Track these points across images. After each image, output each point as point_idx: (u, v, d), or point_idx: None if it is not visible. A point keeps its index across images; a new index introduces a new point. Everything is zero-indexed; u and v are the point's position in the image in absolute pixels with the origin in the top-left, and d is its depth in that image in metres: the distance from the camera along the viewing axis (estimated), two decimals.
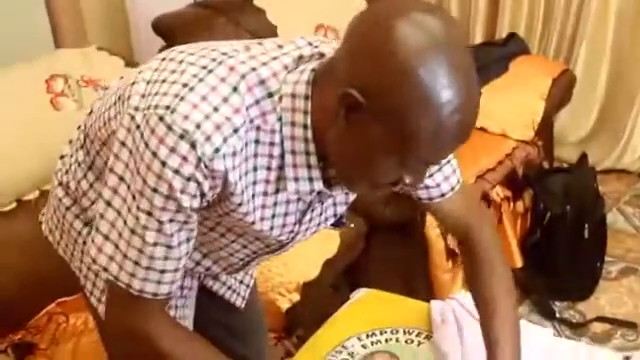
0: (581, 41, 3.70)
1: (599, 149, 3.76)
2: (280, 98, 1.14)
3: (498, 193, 2.83)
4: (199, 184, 1.11)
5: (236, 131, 1.11)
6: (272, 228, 1.26)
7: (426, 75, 1.02)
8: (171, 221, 1.15)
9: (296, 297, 2.12)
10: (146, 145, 1.11)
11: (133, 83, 1.19)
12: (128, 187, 1.16)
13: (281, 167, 1.18)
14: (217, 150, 1.10)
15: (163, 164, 1.10)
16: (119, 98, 1.23)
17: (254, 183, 1.18)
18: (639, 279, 3.05)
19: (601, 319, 2.80)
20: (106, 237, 1.19)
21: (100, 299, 1.42)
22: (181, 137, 1.09)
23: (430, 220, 2.63)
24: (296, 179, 1.18)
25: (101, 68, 2.43)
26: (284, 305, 2.11)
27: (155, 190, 1.12)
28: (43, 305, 2.23)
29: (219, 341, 1.57)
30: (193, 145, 1.09)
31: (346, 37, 1.10)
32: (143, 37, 3.46)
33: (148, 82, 1.17)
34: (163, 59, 1.20)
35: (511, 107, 3.11)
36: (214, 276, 1.55)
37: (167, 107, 1.11)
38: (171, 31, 2.82)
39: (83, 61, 2.42)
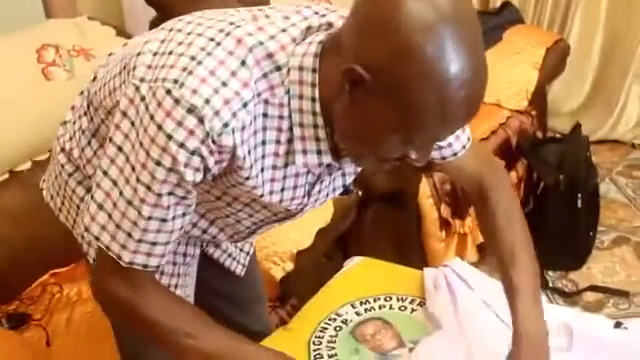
0: (575, 11, 3.70)
1: (592, 119, 3.77)
2: (288, 71, 1.12)
3: None
4: (203, 158, 1.10)
5: (245, 105, 1.10)
6: (281, 201, 1.25)
7: (432, 50, 1.00)
8: (169, 194, 1.14)
9: (290, 266, 2.13)
10: (151, 117, 1.10)
11: (139, 54, 1.18)
12: (127, 158, 1.14)
13: (290, 140, 1.17)
14: (226, 125, 1.09)
15: (169, 137, 1.08)
16: (124, 67, 1.21)
17: (263, 157, 1.17)
18: (631, 248, 3.07)
19: (594, 288, 2.82)
20: (100, 206, 1.19)
21: None
22: (189, 111, 1.08)
23: (423, 189, 2.64)
24: (304, 152, 1.17)
25: (92, 38, 2.41)
26: (278, 274, 2.12)
27: (158, 163, 1.10)
28: (36, 276, 2.23)
29: (218, 309, 1.59)
30: (201, 120, 1.08)
31: (352, 11, 1.08)
32: (134, 7, 3.45)
33: (155, 53, 1.15)
34: (170, 29, 1.18)
35: (505, 77, 3.10)
36: (216, 244, 1.55)
37: (175, 81, 1.09)
38: (163, 2, 2.79)
39: (74, 31, 2.41)
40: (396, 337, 1.58)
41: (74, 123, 1.38)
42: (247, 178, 1.17)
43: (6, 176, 2.23)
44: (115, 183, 1.16)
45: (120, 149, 1.15)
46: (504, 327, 1.52)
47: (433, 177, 2.66)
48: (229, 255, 1.61)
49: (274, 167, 1.19)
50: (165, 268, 1.42)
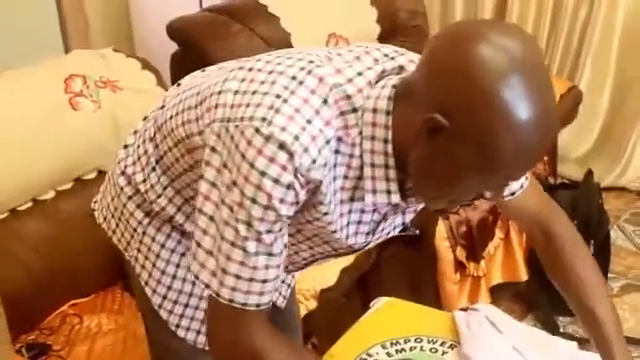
0: (586, 57, 3.74)
1: (600, 166, 3.80)
2: (362, 113, 1.16)
3: None
4: (297, 193, 1.13)
5: (328, 142, 1.14)
6: (347, 237, 1.27)
7: (508, 97, 1.03)
8: (269, 232, 1.16)
9: (313, 304, 2.13)
10: (242, 156, 1.13)
11: (220, 92, 1.21)
12: (221, 197, 1.16)
13: (359, 177, 1.20)
14: (314, 161, 1.13)
15: (262, 174, 1.11)
16: (200, 102, 1.25)
17: (335, 192, 1.20)
18: None
19: None
20: (210, 252, 1.19)
21: (155, 290, 1.46)
22: (280, 147, 1.11)
23: (440, 231, 2.65)
24: (374, 191, 1.20)
25: (118, 70, 2.43)
26: (301, 312, 2.12)
27: (254, 201, 1.13)
28: (55, 306, 2.23)
29: None
30: (291, 155, 1.11)
31: (425, 60, 1.11)
32: (145, 39, 3.48)
33: (236, 92, 1.19)
34: (250, 69, 1.22)
35: None
36: None
37: (263, 119, 1.13)
38: (186, 36, 2.83)
39: (100, 62, 2.42)
40: None
41: (138, 147, 1.42)
42: (325, 213, 1.20)
43: (29, 205, 2.24)
44: (215, 223, 1.18)
45: (213, 185, 1.18)
46: None
47: (449, 219, 2.68)
48: None
49: (342, 202, 1.22)
50: None
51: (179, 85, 1.42)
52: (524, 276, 2.92)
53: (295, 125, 1.12)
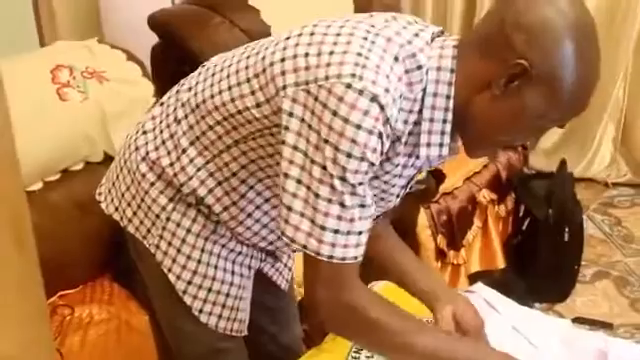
0: None
1: (568, 158, 3.85)
2: (427, 71, 1.25)
3: (485, 196, 2.92)
4: (384, 143, 1.21)
5: (401, 96, 1.23)
6: (391, 192, 1.36)
7: (575, 48, 1.19)
8: (361, 184, 1.22)
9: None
10: (334, 113, 1.18)
11: (283, 59, 1.25)
12: (309, 158, 1.21)
13: (410, 133, 1.28)
14: (398, 111, 1.23)
15: (358, 127, 1.18)
16: (256, 75, 1.29)
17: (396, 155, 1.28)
18: (612, 282, 3.17)
19: (579, 320, 2.89)
20: (302, 214, 1.23)
21: (179, 276, 1.47)
22: (372, 100, 1.18)
23: (422, 220, 2.70)
24: (429, 145, 1.29)
25: (104, 61, 2.43)
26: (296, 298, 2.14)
27: (349, 155, 1.19)
28: (45, 297, 2.21)
29: (263, 327, 1.65)
30: (383, 107, 1.19)
31: (501, 18, 1.23)
32: (117, 37, 3.47)
33: (307, 55, 1.23)
34: (312, 34, 1.26)
35: None
36: (264, 258, 1.60)
37: (353, 75, 1.19)
38: (167, 28, 2.82)
39: (86, 53, 2.43)
40: None
41: (161, 132, 1.43)
42: (397, 165, 1.29)
43: None
44: (303, 185, 1.22)
45: (296, 148, 1.22)
46: (535, 351, 1.58)
47: (431, 208, 2.73)
48: (276, 270, 1.66)
49: (398, 155, 1.30)
50: (235, 279, 1.50)
51: (204, 66, 1.44)
52: (501, 264, 2.98)
53: (382, 78, 1.20)
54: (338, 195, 1.21)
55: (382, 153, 1.23)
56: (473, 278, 2.94)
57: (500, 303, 1.73)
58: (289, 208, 1.24)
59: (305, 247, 1.24)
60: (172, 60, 2.78)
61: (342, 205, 1.21)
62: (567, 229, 2.95)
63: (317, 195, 1.21)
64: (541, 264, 2.97)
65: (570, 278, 3.05)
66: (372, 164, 1.21)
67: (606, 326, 2.87)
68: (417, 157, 1.33)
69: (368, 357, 1.61)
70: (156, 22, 2.81)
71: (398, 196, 1.42)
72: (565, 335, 1.66)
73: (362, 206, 1.23)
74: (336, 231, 1.22)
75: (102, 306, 2.19)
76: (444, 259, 2.78)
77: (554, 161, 3.32)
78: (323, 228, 1.22)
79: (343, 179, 1.20)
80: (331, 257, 1.23)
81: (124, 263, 1.78)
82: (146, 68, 2.55)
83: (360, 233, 1.25)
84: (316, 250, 1.23)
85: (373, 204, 1.27)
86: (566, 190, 3.03)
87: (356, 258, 1.26)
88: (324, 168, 1.20)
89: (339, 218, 1.22)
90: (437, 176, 2.68)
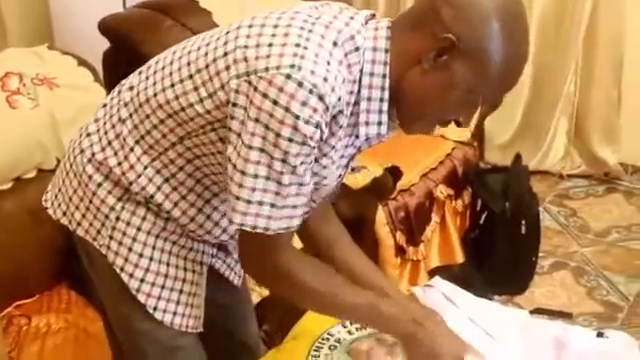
0: None
1: (523, 152, 3.89)
2: (364, 51, 1.30)
3: (442, 191, 2.94)
4: (322, 131, 1.27)
5: (343, 81, 1.27)
6: (332, 172, 1.39)
7: (502, 27, 1.25)
8: (302, 163, 1.28)
9: (265, 292, 2.15)
10: (275, 102, 1.24)
11: (225, 54, 1.28)
12: (250, 142, 1.26)
13: (351, 113, 1.32)
14: (339, 99, 1.27)
15: (297, 117, 1.23)
16: (198, 71, 1.31)
17: (339, 128, 1.32)
18: (570, 273, 3.21)
19: (538, 311, 2.93)
20: (237, 197, 1.29)
21: (132, 274, 1.47)
22: (310, 92, 1.23)
23: (380, 217, 2.71)
24: (367, 123, 1.33)
25: (54, 67, 2.40)
26: (254, 299, 2.13)
27: (290, 140, 1.25)
28: (1, 308, 2.18)
29: (220, 324, 1.65)
30: (321, 97, 1.24)
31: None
32: (69, 42, 3.43)
33: (246, 47, 1.27)
34: (250, 26, 1.30)
35: None
36: (215, 253, 1.61)
37: (292, 66, 1.23)
38: (118, 32, 2.80)
39: (35, 60, 2.40)
40: (390, 354, 1.62)
41: (106, 133, 1.44)
42: (333, 147, 1.32)
43: None
44: (247, 171, 1.28)
45: (239, 135, 1.26)
46: (493, 342, 1.59)
47: (389, 205, 2.74)
48: (228, 266, 1.67)
49: (339, 139, 1.34)
50: (187, 275, 1.52)
51: (141, 72, 1.46)
52: (460, 258, 3.01)
53: (320, 68, 1.24)
54: (277, 174, 1.27)
55: (322, 140, 1.28)
56: (433, 273, 2.95)
57: (458, 296, 1.74)
58: (231, 193, 1.30)
59: (242, 225, 1.31)
60: (124, 65, 2.74)
61: (279, 183, 1.28)
62: (524, 222, 2.99)
63: (256, 176, 1.27)
64: (499, 257, 3.00)
65: (528, 270, 3.09)
66: (313, 147, 1.27)
67: (565, 316, 2.91)
68: (357, 136, 1.37)
69: (327, 355, 1.61)
70: (107, 27, 2.79)
71: (340, 176, 1.46)
72: (523, 325, 1.67)
73: (300, 185, 1.30)
74: (272, 205, 1.30)
75: (59, 315, 2.16)
76: (403, 255, 2.80)
77: (509, 155, 3.36)
78: (261, 203, 1.29)
79: (284, 161, 1.26)
80: (267, 229, 1.31)
81: (79, 270, 1.76)
82: (98, 73, 2.53)
83: (295, 207, 1.32)
84: (253, 224, 1.30)
85: (311, 181, 1.33)
86: (522, 183, 3.06)
87: (288, 228, 1.34)
88: (262, 151, 1.26)
89: (276, 194, 1.29)
90: (394, 173, 2.70)
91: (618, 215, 3.65)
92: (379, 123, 1.33)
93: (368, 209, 2.67)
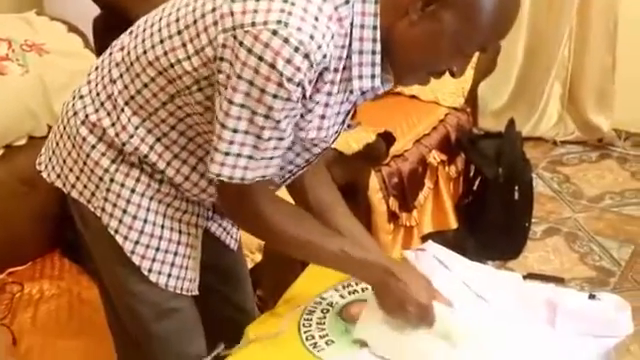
0: None
1: (516, 118, 3.90)
2: (353, 4, 1.28)
3: (435, 157, 2.94)
4: (305, 89, 1.26)
5: (332, 37, 1.26)
6: (328, 128, 1.39)
7: None
8: (286, 117, 1.29)
9: (258, 257, 2.15)
10: (260, 58, 1.23)
11: (214, 9, 1.27)
12: (232, 97, 1.26)
13: (345, 68, 1.32)
14: (325, 56, 1.25)
15: (281, 74, 1.23)
16: (187, 27, 1.31)
17: (325, 83, 1.32)
18: (562, 238, 3.23)
19: (531, 276, 2.93)
20: (215, 149, 1.31)
21: (127, 236, 1.48)
22: (296, 50, 1.22)
23: (373, 183, 2.71)
24: (360, 77, 1.33)
25: (43, 33, 2.38)
26: (248, 265, 2.13)
27: (275, 96, 1.25)
28: None
29: (215, 288, 1.66)
30: (307, 55, 1.22)
31: None
32: (57, 8, 3.39)
33: (234, 1, 1.25)
34: None
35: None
36: (211, 216, 1.62)
37: (279, 22, 1.22)
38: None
39: (24, 26, 2.37)
40: None
41: (98, 95, 1.44)
42: (317, 103, 1.32)
43: None
44: (227, 126, 1.28)
45: (225, 88, 1.27)
46: (486, 305, 1.60)
47: (382, 171, 2.74)
48: (224, 229, 1.67)
49: (329, 94, 1.34)
50: (182, 238, 1.52)
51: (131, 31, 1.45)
52: (454, 224, 3.01)
53: (307, 25, 1.22)
54: (258, 129, 1.28)
55: (305, 97, 1.28)
56: (426, 239, 2.95)
57: (450, 260, 1.74)
58: (215, 149, 1.31)
59: (219, 175, 1.32)
60: (114, 31, 2.72)
61: (259, 137, 1.29)
62: (517, 187, 2.99)
63: (235, 130, 1.28)
64: (492, 223, 3.01)
65: (521, 235, 3.10)
66: (296, 102, 1.27)
67: (557, 281, 2.91)
68: (351, 91, 1.36)
69: (320, 318, 1.61)
70: None
71: (336, 132, 1.46)
72: (515, 288, 1.68)
73: (280, 139, 1.31)
74: (250, 157, 1.31)
75: (52, 281, 2.16)
76: (396, 221, 2.80)
77: (503, 122, 3.35)
78: (238, 156, 1.30)
79: (267, 117, 1.27)
80: (243, 179, 1.33)
81: (72, 237, 1.76)
82: (88, 40, 2.50)
83: (271, 158, 1.34)
84: (229, 175, 1.32)
85: (291, 135, 1.34)
86: (515, 149, 3.06)
87: (264, 177, 1.36)
88: (243, 107, 1.26)
89: (254, 147, 1.30)
90: (387, 139, 2.69)
91: (611, 181, 3.66)
92: (372, 76, 1.32)
93: (361, 175, 2.67)
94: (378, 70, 1.33)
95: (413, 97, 3.13)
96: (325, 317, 1.62)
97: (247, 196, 1.38)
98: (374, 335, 1.52)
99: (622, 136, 3.95)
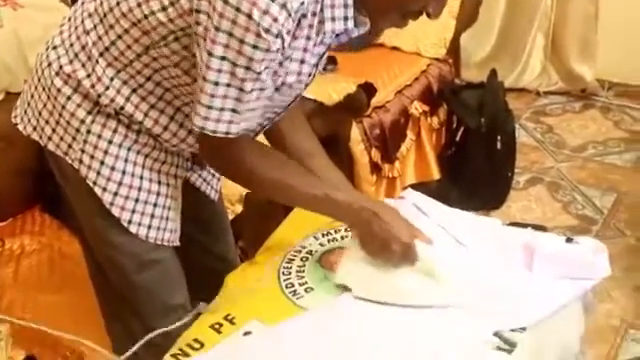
0: None
1: (500, 69, 3.87)
2: None
3: (417, 108, 2.93)
4: (283, 39, 1.25)
5: None
6: (301, 73, 1.37)
7: None
8: (266, 68, 1.27)
9: (239, 208, 2.15)
10: (237, 10, 1.21)
11: None
12: (210, 49, 1.24)
13: (321, 10, 1.30)
14: (302, 3, 1.24)
15: (258, 25, 1.21)
16: None
17: (302, 28, 1.30)
18: (545, 188, 3.24)
19: (514, 224, 2.94)
20: (209, 107, 1.29)
21: (105, 188, 1.47)
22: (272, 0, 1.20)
23: (354, 135, 2.70)
24: (333, 19, 1.31)
25: None
26: (229, 217, 2.13)
27: (255, 47, 1.23)
28: None
29: (196, 239, 1.66)
30: (284, 5, 1.21)
31: None
32: None
33: None
34: None
35: (423, 26, 3.16)
36: (190, 167, 1.61)
37: None
38: None
39: None
40: None
41: (72, 45, 1.41)
42: (296, 48, 1.30)
43: None
44: (208, 78, 1.26)
45: (205, 40, 1.25)
46: (464, 249, 1.60)
47: (363, 122, 2.73)
48: (204, 180, 1.67)
49: (308, 38, 1.32)
50: (162, 189, 1.51)
51: None
52: (436, 175, 3.02)
53: None
54: (239, 82, 1.26)
55: (284, 47, 1.26)
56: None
57: (429, 206, 1.74)
58: (195, 96, 1.30)
59: (203, 128, 1.31)
60: None
61: (241, 90, 1.27)
62: (499, 137, 3.00)
63: (216, 83, 1.26)
64: (475, 173, 3.02)
65: (504, 185, 3.11)
66: (276, 52, 1.25)
67: (539, 229, 2.92)
68: (325, 33, 1.34)
69: (299, 266, 1.62)
70: None
71: (310, 75, 1.44)
72: (494, 232, 1.68)
73: (262, 89, 1.30)
74: (233, 111, 1.30)
75: (33, 237, 2.16)
76: (379, 173, 2.80)
77: (486, 73, 3.32)
78: (221, 110, 1.29)
79: (248, 68, 1.25)
80: (228, 133, 1.32)
81: (53, 192, 1.75)
82: None
83: (254, 109, 1.33)
84: (213, 129, 1.31)
85: (272, 85, 1.32)
86: (497, 99, 3.06)
87: (247, 129, 1.35)
88: (224, 59, 1.24)
89: (237, 100, 1.29)
90: (367, 90, 2.68)
91: (595, 130, 3.67)
92: (345, 18, 1.31)
93: (342, 126, 2.66)
94: (351, 12, 1.31)
95: (395, 48, 3.11)
96: (304, 265, 1.62)
97: (230, 146, 1.37)
98: (357, 279, 1.52)
99: (605, 86, 3.94)
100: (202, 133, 1.34)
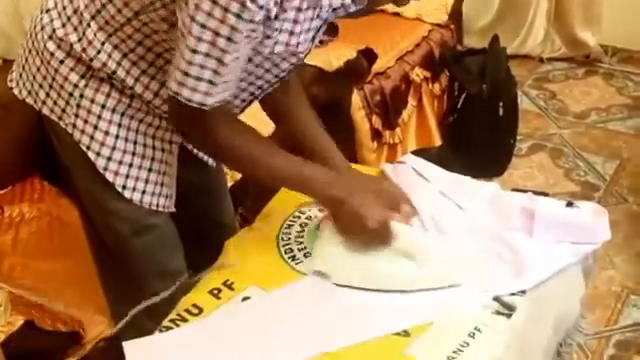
0: None
1: (502, 36, 3.84)
2: None
3: (418, 74, 2.91)
4: (269, 11, 1.22)
5: None
6: (298, 44, 1.35)
7: None
8: (247, 37, 1.23)
9: (238, 175, 2.14)
10: None
11: None
12: (193, 16, 1.20)
13: None
14: None
15: None
16: None
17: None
18: (547, 154, 3.23)
19: (516, 191, 2.94)
20: (176, 67, 1.27)
21: (99, 152, 1.46)
22: None
23: (355, 101, 2.68)
24: None
25: None
26: (228, 183, 2.12)
27: (239, 16, 1.19)
28: None
29: (194, 204, 1.68)
30: None
31: None
32: None
33: None
34: None
35: None
36: None
37: None
38: None
39: None
40: None
41: (64, 9, 1.40)
42: (285, 20, 1.27)
43: None
44: (189, 46, 1.23)
45: (187, 5, 1.21)
46: (463, 213, 1.60)
47: (364, 89, 2.71)
48: None
49: (298, 10, 1.29)
50: (156, 154, 1.50)
51: None
52: (438, 141, 3.01)
53: None
54: (218, 52, 1.23)
55: (270, 19, 1.24)
56: None
57: (428, 171, 1.73)
58: (176, 67, 1.28)
59: (177, 94, 1.28)
60: None
61: (220, 61, 1.24)
62: (501, 104, 2.98)
63: (195, 51, 1.23)
64: (477, 139, 3.00)
65: (506, 152, 3.10)
66: (259, 24, 1.23)
67: (542, 195, 2.92)
68: (321, 8, 1.32)
69: (298, 232, 1.61)
70: None
71: (308, 49, 1.42)
72: (493, 196, 1.68)
73: (237, 58, 1.27)
74: (210, 82, 1.27)
75: (32, 204, 2.14)
76: (380, 139, 2.79)
77: (488, 40, 3.29)
78: (198, 79, 1.26)
79: (230, 39, 1.22)
80: (203, 105, 1.29)
81: (52, 160, 1.74)
82: None
83: (230, 81, 1.31)
84: (188, 97, 1.28)
85: (248, 52, 1.30)
86: (499, 65, 3.03)
87: (223, 100, 1.32)
88: (205, 27, 1.20)
89: (215, 72, 1.25)
90: (368, 56, 2.66)
91: (598, 97, 3.64)
92: None
93: (343, 93, 2.64)
94: None
95: (396, 14, 3.08)
96: (303, 231, 1.62)
97: (203, 117, 1.34)
98: (333, 265, 1.46)
99: (609, 52, 3.91)
100: (174, 97, 1.32)
